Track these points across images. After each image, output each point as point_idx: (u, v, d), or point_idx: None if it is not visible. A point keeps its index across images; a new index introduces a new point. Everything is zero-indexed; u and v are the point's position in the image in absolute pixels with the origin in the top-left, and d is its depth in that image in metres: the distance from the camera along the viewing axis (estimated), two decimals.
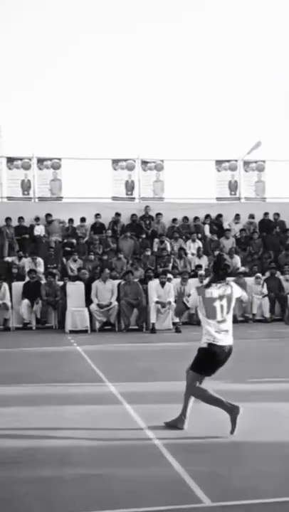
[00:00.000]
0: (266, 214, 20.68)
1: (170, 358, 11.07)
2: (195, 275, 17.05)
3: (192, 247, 19.05)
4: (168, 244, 18.89)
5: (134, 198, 21.06)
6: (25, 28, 52.29)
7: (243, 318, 16.40)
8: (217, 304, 6.16)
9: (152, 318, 15.27)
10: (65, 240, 18.91)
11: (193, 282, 16.53)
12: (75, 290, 15.90)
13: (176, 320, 15.32)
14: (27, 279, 16.51)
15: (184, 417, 6.38)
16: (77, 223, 19.68)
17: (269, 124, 26.13)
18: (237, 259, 18.37)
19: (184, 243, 19.19)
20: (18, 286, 16.31)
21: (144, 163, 21.08)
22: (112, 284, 15.93)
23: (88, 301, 15.75)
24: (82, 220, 19.69)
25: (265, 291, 16.73)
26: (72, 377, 9.26)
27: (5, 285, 15.96)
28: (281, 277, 17.42)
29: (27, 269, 16.96)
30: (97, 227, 19.68)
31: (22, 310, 15.82)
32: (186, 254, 18.50)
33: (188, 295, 6.48)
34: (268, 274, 17.53)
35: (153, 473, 5.18)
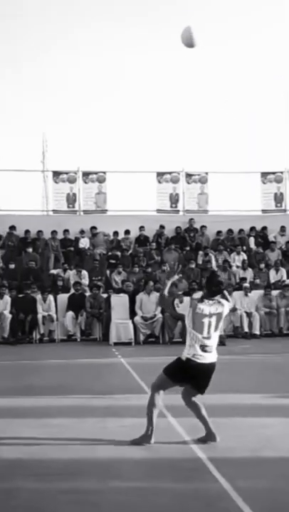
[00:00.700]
0: None
1: (214, 371, 10.94)
2: (239, 288, 16.91)
3: (237, 259, 18.90)
4: (212, 257, 18.74)
5: (178, 211, 21.06)
6: (77, 49, 53.04)
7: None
8: (206, 320, 6.19)
9: None
10: (110, 253, 19.01)
11: (237, 295, 16.43)
12: (119, 302, 15.94)
13: (221, 333, 15.16)
14: (72, 291, 16.64)
15: (150, 430, 6.30)
16: (121, 236, 19.77)
17: None
18: (283, 272, 18.15)
19: (229, 256, 19.06)
20: (63, 298, 16.45)
21: (189, 175, 21.07)
22: (156, 297, 15.91)
23: (132, 314, 15.76)
24: (127, 232, 19.76)
25: None
26: (116, 389, 9.26)
27: (50, 297, 16.13)
28: None
29: (72, 282, 17.10)
30: (142, 240, 19.73)
31: (67, 322, 15.94)
32: (230, 266, 18.36)
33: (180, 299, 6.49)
34: None
35: (198, 487, 5.12)
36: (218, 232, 20.12)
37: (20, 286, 16.91)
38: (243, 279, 17.51)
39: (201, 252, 19.04)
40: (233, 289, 16.47)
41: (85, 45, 54.79)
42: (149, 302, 15.79)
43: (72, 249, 19.21)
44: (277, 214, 21.25)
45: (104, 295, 16.48)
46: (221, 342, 14.84)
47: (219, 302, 6.30)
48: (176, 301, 6.53)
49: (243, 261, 18.63)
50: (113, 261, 18.46)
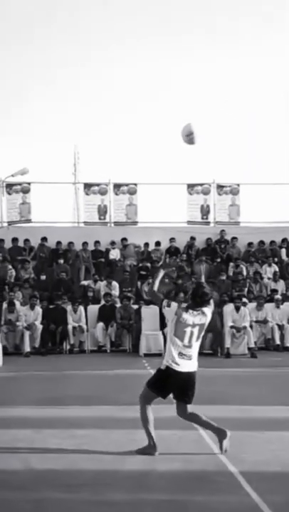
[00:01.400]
0: None
1: (244, 384, 10.85)
2: (271, 300, 16.73)
3: (268, 271, 18.72)
4: (243, 269, 18.65)
5: (209, 222, 20.98)
6: (110, 62, 53.56)
7: None
8: (188, 329, 6.23)
9: (227, 343, 15.04)
10: (140, 264, 19.00)
11: (269, 307, 16.26)
12: (149, 314, 15.90)
13: (252, 345, 15.02)
14: (102, 302, 16.65)
15: (152, 441, 6.34)
16: (152, 247, 19.75)
17: None
18: None
19: (260, 267, 18.89)
20: (93, 309, 16.47)
21: (220, 187, 20.99)
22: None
23: (163, 325, 15.68)
24: (157, 244, 19.74)
25: None
26: None
27: (81, 308, 16.16)
28: None
29: (102, 293, 17.12)
30: (172, 251, 19.68)
31: (97, 333, 15.94)
32: (261, 278, 18.19)
33: (168, 302, 6.40)
34: None
35: (229, 501, 5.03)
36: (250, 244, 19.98)
37: (51, 297, 17.00)
38: (275, 291, 17.33)
39: (231, 264, 18.91)
40: (264, 300, 16.32)
41: (118, 57, 55.26)
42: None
43: (102, 260, 19.25)
44: None
45: (135, 306, 16.45)
46: (252, 354, 14.78)
47: (203, 313, 6.34)
48: (165, 303, 6.48)
49: (275, 272, 18.44)
50: (143, 272, 18.44)
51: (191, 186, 20.93)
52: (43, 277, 17.93)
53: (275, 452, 6.21)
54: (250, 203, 21.20)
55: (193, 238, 19.95)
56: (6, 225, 20.08)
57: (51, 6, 47.69)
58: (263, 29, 45.85)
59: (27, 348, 15.24)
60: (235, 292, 17.22)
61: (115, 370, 12.71)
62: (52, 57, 54.18)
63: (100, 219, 20.62)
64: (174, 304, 6.38)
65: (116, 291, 17.38)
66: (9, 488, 5.40)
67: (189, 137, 7.25)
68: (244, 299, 16.24)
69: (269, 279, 18.35)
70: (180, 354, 6.24)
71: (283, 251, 19.97)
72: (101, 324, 15.95)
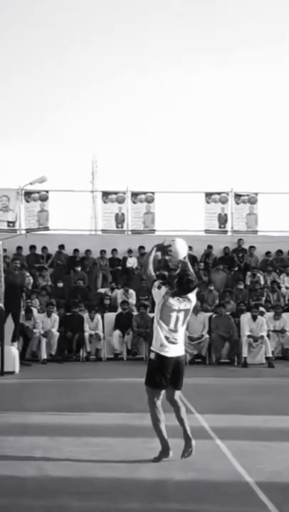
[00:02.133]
0: None
1: (261, 393, 10.77)
2: (288, 309, 16.61)
3: (286, 280, 18.61)
4: (261, 278, 18.56)
5: (226, 231, 20.93)
6: (129, 72, 53.85)
7: None
8: (174, 314, 6.37)
9: (244, 352, 14.95)
10: (157, 272, 18.94)
11: (286, 316, 16.15)
12: None
13: (269, 355, 14.92)
14: (119, 310, 16.64)
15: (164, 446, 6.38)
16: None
17: None
18: None
19: (278, 276, 18.78)
20: (110, 317, 16.47)
21: (238, 196, 20.94)
22: (203, 317, 15.79)
23: None
24: None
25: None
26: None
27: (98, 316, 16.17)
28: None
29: (119, 301, 17.12)
30: (189, 260, 19.60)
31: (113, 341, 15.93)
32: (279, 287, 18.08)
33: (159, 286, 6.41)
34: None
35: (246, 511, 4.98)
36: (267, 253, 19.89)
37: (68, 304, 17.03)
38: None
39: (249, 273, 18.82)
40: (282, 310, 16.22)
41: (136, 67, 55.53)
42: (196, 322, 15.65)
43: (119, 268, 19.27)
44: None
45: (152, 314, 16.39)
46: (270, 364, 14.68)
47: (188, 299, 6.46)
48: (156, 283, 6.53)
49: None
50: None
51: (208, 195, 20.90)
52: (60, 285, 17.98)
53: None
54: (268, 211, 21.15)
55: (210, 247, 19.90)
56: (24, 232, 20.19)
57: (76, 21, 48.19)
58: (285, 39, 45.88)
59: (44, 355, 15.27)
60: (253, 301, 17.14)
61: (131, 378, 12.65)
62: (71, 69, 54.60)
63: (117, 227, 20.67)
64: (164, 288, 6.46)
65: (133, 299, 17.37)
66: (24, 495, 5.40)
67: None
68: (261, 308, 16.15)
69: (287, 288, 18.24)
70: (166, 338, 6.36)
71: None
72: (118, 332, 15.94)
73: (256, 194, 21.06)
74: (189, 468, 6.10)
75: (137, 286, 17.99)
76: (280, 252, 20.03)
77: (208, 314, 15.98)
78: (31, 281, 17.87)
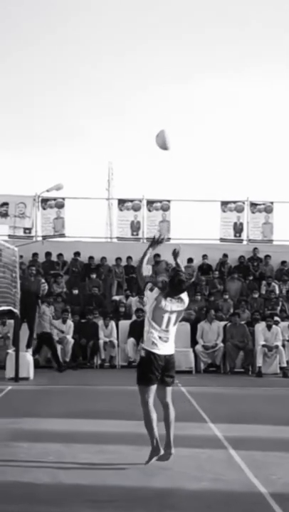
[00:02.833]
0: None
1: (275, 403, 10.72)
2: None
3: None
4: (276, 287, 18.49)
5: (242, 240, 20.88)
6: (144, 79, 54.10)
7: None
8: (166, 315, 6.44)
9: (259, 362, 14.89)
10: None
11: None
12: (180, 330, 15.72)
13: (284, 365, 14.85)
14: (134, 317, 16.65)
15: (155, 442, 6.44)
16: (184, 264, 19.70)
17: None
18: None
19: None
20: (124, 324, 16.48)
21: (254, 205, 20.89)
22: (218, 326, 15.76)
23: (193, 342, 15.63)
24: (190, 260, 19.71)
25: None
26: (175, 417, 9.12)
27: (112, 323, 16.20)
28: None
29: (134, 308, 17.12)
30: (204, 268, 19.62)
31: (128, 348, 15.93)
32: None
33: (156, 284, 6.50)
34: None
35: None
36: (283, 262, 19.80)
37: (82, 311, 17.08)
38: None
39: (264, 282, 18.76)
40: None
41: (151, 74, 55.68)
42: (210, 331, 15.64)
43: (134, 276, 19.27)
44: None
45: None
46: (284, 374, 14.63)
47: (181, 299, 6.53)
48: (149, 285, 6.56)
49: None
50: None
51: (224, 204, 20.87)
52: (75, 292, 18.03)
53: None
54: (284, 221, 21.04)
55: (225, 255, 19.87)
56: (40, 239, 20.29)
57: (97, 31, 48.43)
58: None
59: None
60: (268, 311, 17.08)
61: None
62: (88, 75, 54.87)
63: (132, 235, 20.69)
64: (156, 290, 6.51)
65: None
66: (37, 502, 5.42)
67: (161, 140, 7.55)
68: (276, 318, 16.09)
69: None
70: (160, 337, 6.43)
71: None
72: (132, 340, 15.94)
73: (272, 203, 20.99)
74: (203, 478, 6.09)
75: None
76: None
77: (223, 323, 15.95)
78: (46, 288, 17.94)
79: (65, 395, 11.63)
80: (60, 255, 19.54)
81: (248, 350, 15.19)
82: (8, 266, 12.97)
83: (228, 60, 51.04)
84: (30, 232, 20.36)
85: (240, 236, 20.87)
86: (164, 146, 7.57)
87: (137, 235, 20.66)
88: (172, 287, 6.50)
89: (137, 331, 16.09)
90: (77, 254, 19.53)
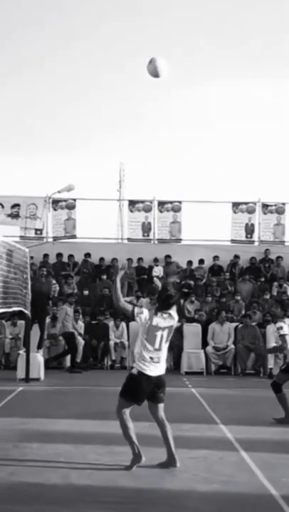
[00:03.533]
0: None
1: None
2: None
3: None
4: (288, 288, 18.40)
5: (253, 241, 20.80)
6: (154, 82, 54.17)
7: None
8: (159, 333, 6.43)
9: (270, 363, 14.82)
10: (183, 282, 18.93)
11: None
12: (191, 332, 15.81)
13: None
14: None
15: (136, 449, 6.44)
16: (195, 265, 19.68)
17: None
18: None
19: None
20: (135, 325, 16.41)
21: (265, 206, 20.81)
22: (229, 327, 15.71)
23: (204, 343, 15.59)
24: (201, 261, 19.66)
25: None
26: (186, 419, 9.10)
27: (123, 324, 16.18)
28: None
29: None
30: (216, 270, 19.57)
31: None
32: None
33: (141, 306, 6.45)
34: None
35: None
36: None
37: (93, 312, 17.08)
38: None
39: (275, 283, 18.68)
40: None
41: (162, 78, 55.66)
42: (221, 332, 15.59)
43: (145, 277, 19.26)
44: None
45: (177, 324, 16.35)
46: None
47: (171, 315, 6.53)
48: (136, 310, 6.53)
49: None
50: (186, 290, 18.37)
51: (235, 205, 20.80)
52: (86, 293, 18.04)
53: None
54: None
55: (237, 257, 19.80)
56: (51, 240, 20.32)
57: (110, 36, 48.55)
58: None
59: (69, 363, 15.32)
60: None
61: None
62: (98, 77, 54.97)
63: (143, 236, 20.67)
64: (145, 310, 6.51)
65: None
66: (47, 503, 5.41)
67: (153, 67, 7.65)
68: (288, 320, 15.96)
69: None
70: (151, 358, 6.43)
71: None
72: None
73: (284, 204, 20.90)
74: (213, 480, 6.05)
75: None
76: None
77: (234, 324, 15.89)
78: (57, 289, 17.96)
79: (75, 395, 11.63)
80: (71, 256, 19.56)
81: (259, 351, 15.12)
82: (19, 267, 12.97)
83: (240, 62, 50.96)
84: (41, 233, 20.40)
85: (251, 237, 20.79)
86: (154, 74, 7.66)
87: (148, 236, 20.63)
88: (160, 302, 6.53)
89: None
90: (87, 255, 19.54)
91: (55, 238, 20.42)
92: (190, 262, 19.67)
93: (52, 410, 9.73)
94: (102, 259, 19.52)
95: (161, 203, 20.72)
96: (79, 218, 20.63)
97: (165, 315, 6.48)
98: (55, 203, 20.50)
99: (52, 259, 19.50)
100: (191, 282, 18.79)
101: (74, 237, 20.61)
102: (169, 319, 6.51)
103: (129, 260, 19.35)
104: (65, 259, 19.58)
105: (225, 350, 15.33)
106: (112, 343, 15.84)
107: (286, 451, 7.19)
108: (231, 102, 57.54)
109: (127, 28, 47.54)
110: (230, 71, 51.53)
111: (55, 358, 15.43)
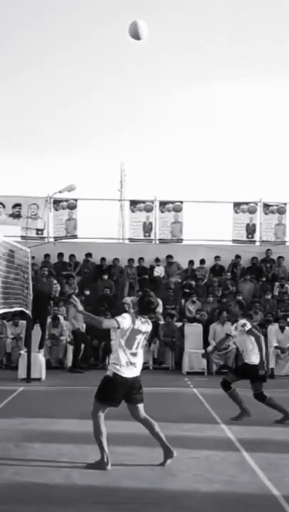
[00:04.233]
0: None
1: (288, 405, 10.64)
2: None
3: None
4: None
5: (254, 241, 20.79)
6: (155, 83, 54.17)
7: None
8: (138, 337, 6.49)
9: (271, 363, 14.82)
10: (184, 282, 18.93)
11: None
12: (193, 332, 15.82)
13: None
14: None
15: (105, 457, 6.43)
16: (196, 265, 19.67)
17: None
18: None
19: None
20: None
21: (266, 206, 20.80)
22: (229, 327, 15.67)
23: (206, 344, 15.59)
24: (202, 261, 19.66)
25: None
26: (187, 419, 9.12)
27: None
28: None
29: None
30: (217, 270, 19.57)
31: None
32: None
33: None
34: None
35: None
36: None
37: (94, 312, 17.03)
38: None
39: (277, 283, 18.69)
40: None
41: (162, 78, 55.70)
42: (222, 333, 15.52)
43: (146, 277, 19.25)
44: None
45: (178, 324, 16.38)
46: None
47: (148, 321, 6.59)
48: (119, 319, 6.56)
49: None
50: (187, 290, 18.37)
51: (237, 205, 20.80)
52: (87, 293, 18.03)
53: None
54: None
55: (238, 257, 19.80)
56: (52, 240, 20.32)
57: (111, 40, 48.54)
58: None
59: (70, 363, 15.33)
60: (281, 312, 17.00)
61: (157, 387, 12.64)
62: (98, 77, 54.95)
63: (144, 236, 20.66)
64: (126, 314, 6.56)
65: (159, 309, 17.33)
66: (50, 503, 5.41)
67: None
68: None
69: None
70: (127, 362, 6.46)
71: None
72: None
73: (285, 204, 20.89)
74: (215, 480, 6.06)
75: (164, 295, 17.97)
76: None
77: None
78: (58, 289, 17.96)
79: (76, 395, 11.63)
80: (72, 256, 19.56)
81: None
82: (20, 267, 12.99)
83: (240, 62, 50.95)
84: (42, 234, 20.40)
85: (252, 237, 20.78)
86: (136, 36, 7.82)
87: (149, 236, 20.63)
88: (141, 307, 6.57)
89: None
90: (89, 255, 19.54)
91: (56, 238, 20.42)
92: (191, 262, 19.67)
93: (53, 410, 9.74)
94: (103, 259, 19.51)
95: (162, 203, 20.71)
96: (80, 218, 20.63)
97: (144, 319, 6.54)
98: (57, 203, 20.50)
99: (53, 259, 19.51)
100: (193, 282, 18.79)
101: (75, 237, 20.61)
102: (147, 325, 6.57)
103: (131, 260, 19.36)
104: (66, 259, 19.58)
105: (226, 350, 15.33)
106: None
107: (288, 452, 7.19)
108: (232, 101, 57.52)
109: (126, 28, 47.45)
110: (231, 71, 51.53)
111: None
